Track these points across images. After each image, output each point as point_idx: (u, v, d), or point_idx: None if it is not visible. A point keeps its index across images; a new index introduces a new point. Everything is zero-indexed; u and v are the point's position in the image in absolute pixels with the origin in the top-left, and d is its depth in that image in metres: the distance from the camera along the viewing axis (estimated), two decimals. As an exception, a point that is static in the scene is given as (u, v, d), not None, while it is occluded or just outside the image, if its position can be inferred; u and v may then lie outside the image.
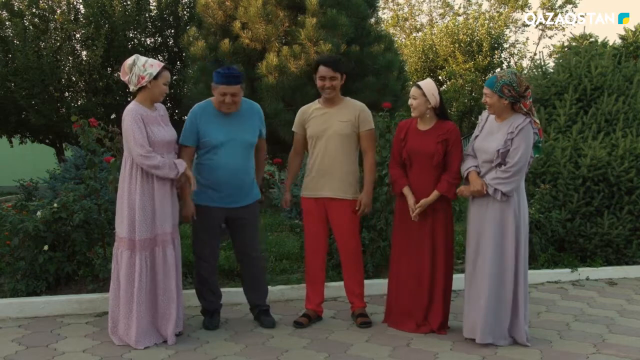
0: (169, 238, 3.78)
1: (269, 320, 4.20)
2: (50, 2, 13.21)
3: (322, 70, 4.11)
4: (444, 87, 20.29)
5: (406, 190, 4.05)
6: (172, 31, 14.21)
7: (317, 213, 4.21)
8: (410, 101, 4.07)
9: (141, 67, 3.75)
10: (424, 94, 4.00)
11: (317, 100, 4.32)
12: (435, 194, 3.97)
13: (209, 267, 4.13)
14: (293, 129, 4.33)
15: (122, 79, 3.85)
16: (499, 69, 20.63)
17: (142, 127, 3.68)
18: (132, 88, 3.80)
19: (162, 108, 3.98)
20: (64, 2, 13.22)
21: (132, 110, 3.73)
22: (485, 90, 3.84)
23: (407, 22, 27.59)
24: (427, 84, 4.04)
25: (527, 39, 45.56)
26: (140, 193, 3.72)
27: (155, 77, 3.76)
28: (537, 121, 3.86)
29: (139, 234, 3.71)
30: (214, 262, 4.18)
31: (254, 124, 4.11)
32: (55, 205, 4.61)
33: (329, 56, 4.27)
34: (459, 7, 30.54)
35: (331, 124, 4.15)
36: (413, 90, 4.06)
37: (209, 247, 4.11)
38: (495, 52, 21.06)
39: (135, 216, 3.71)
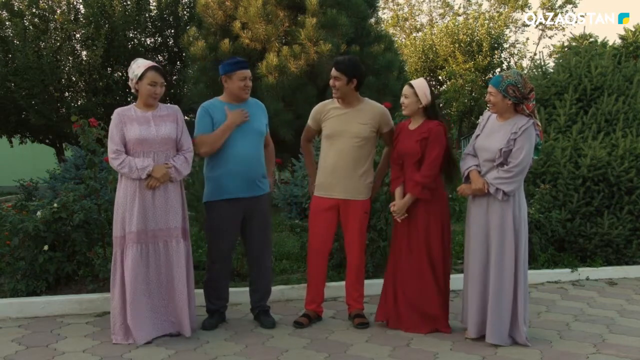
0: (134, 238, 3.73)
1: (269, 320, 4.19)
2: (50, 2, 13.21)
3: (332, 69, 4.13)
4: (444, 87, 20.29)
5: (396, 192, 4.09)
6: (172, 31, 14.22)
7: (328, 213, 4.17)
8: (402, 99, 4.07)
9: (132, 70, 3.82)
10: (415, 93, 4.01)
11: (335, 98, 4.25)
12: (408, 197, 4.00)
13: (219, 268, 4.12)
14: (308, 121, 4.31)
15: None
16: (499, 69, 20.65)
17: (117, 127, 3.77)
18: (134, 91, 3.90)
19: (169, 108, 3.94)
20: (64, 2, 13.23)
21: (115, 111, 3.84)
22: (490, 89, 3.84)
23: (407, 22, 27.62)
24: (420, 83, 4.05)
25: (527, 39, 45.57)
26: (117, 190, 3.84)
27: (140, 78, 3.79)
28: (539, 123, 3.86)
29: (114, 231, 3.82)
30: (225, 264, 4.15)
31: (261, 116, 4.21)
32: (55, 205, 4.61)
33: (342, 57, 4.25)
34: (459, 7, 30.61)
35: (350, 126, 4.11)
36: (405, 89, 4.07)
37: (218, 246, 4.09)
38: (495, 52, 21.09)
39: (114, 213, 3.84)
